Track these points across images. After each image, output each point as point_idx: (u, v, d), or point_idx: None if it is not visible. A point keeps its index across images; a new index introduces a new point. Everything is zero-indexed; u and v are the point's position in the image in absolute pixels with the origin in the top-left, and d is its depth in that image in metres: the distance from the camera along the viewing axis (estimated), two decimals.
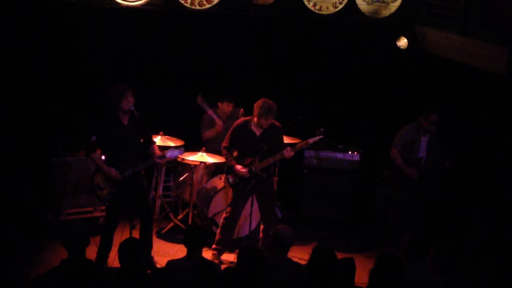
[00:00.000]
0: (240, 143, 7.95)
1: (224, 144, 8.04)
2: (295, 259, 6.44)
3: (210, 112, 9.02)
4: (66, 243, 5.77)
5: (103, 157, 7.57)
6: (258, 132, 7.88)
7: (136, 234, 7.64)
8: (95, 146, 7.54)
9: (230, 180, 7.96)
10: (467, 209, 8.47)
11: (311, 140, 7.94)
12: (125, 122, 7.51)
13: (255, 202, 8.08)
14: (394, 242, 8.47)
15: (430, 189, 8.54)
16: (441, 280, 5.95)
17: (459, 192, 8.69)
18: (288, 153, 7.81)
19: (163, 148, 8.51)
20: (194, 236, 6.18)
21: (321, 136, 8.06)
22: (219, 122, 8.98)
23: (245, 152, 7.94)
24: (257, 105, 7.74)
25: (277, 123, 7.92)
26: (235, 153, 8.02)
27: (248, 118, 8.00)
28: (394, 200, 8.60)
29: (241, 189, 7.95)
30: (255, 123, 7.84)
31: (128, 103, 7.40)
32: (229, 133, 8.02)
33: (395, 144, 8.43)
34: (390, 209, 8.64)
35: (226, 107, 9.03)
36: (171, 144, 8.71)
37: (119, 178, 7.43)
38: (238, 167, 7.87)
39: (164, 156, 7.60)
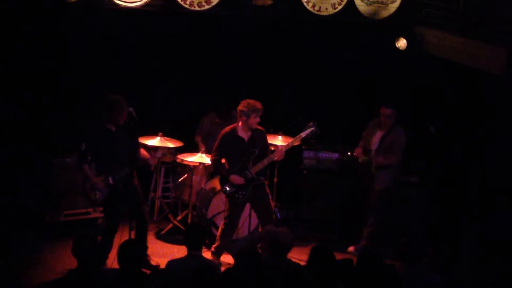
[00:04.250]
0: (230, 151, 7.90)
1: (212, 156, 7.96)
2: (294, 260, 6.45)
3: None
4: (77, 252, 5.61)
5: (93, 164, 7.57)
6: (246, 137, 7.86)
7: (133, 234, 7.63)
8: (86, 156, 7.45)
9: (228, 189, 7.92)
10: (465, 210, 8.48)
11: (303, 134, 7.97)
12: (112, 128, 7.48)
13: None
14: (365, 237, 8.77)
15: (372, 184, 8.61)
16: (439, 280, 5.95)
17: (458, 192, 8.70)
18: (280, 153, 7.84)
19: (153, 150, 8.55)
20: (194, 235, 6.18)
21: (312, 129, 7.98)
22: (202, 147, 9.06)
23: (236, 159, 7.89)
24: (242, 106, 7.70)
25: (259, 127, 7.91)
26: (222, 161, 7.98)
27: (233, 125, 7.96)
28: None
29: (240, 197, 7.92)
30: (242, 127, 7.83)
31: (123, 120, 7.42)
32: (216, 143, 7.94)
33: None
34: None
35: (217, 119, 9.13)
36: (170, 145, 8.71)
37: (105, 188, 7.44)
38: (233, 177, 7.84)
39: (153, 156, 7.66)
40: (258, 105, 7.70)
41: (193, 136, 9.27)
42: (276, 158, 7.88)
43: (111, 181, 7.44)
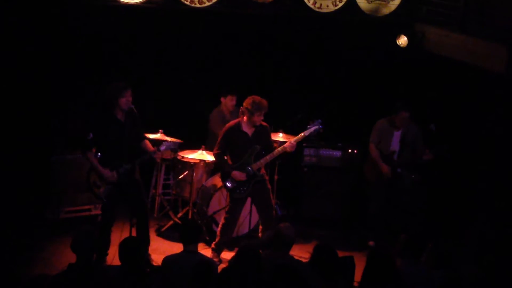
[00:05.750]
0: (233, 146, 7.90)
1: (215, 150, 7.96)
2: (295, 258, 6.44)
3: None
4: (75, 247, 5.62)
5: (99, 154, 7.53)
6: (250, 132, 7.87)
7: (133, 231, 7.61)
8: (91, 144, 7.44)
9: (229, 185, 7.92)
10: (467, 207, 8.48)
11: (306, 133, 7.97)
12: (121, 119, 7.48)
13: None
14: (374, 235, 8.75)
15: (403, 182, 8.66)
16: (438, 276, 5.95)
17: (460, 190, 8.70)
18: (292, 145, 7.83)
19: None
20: (189, 231, 6.20)
21: (316, 127, 8.01)
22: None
23: (238, 154, 7.90)
24: (247, 103, 7.72)
25: (263, 123, 7.91)
26: (226, 157, 7.98)
27: (238, 120, 7.97)
28: (370, 195, 8.84)
29: (242, 193, 7.93)
30: (246, 122, 7.83)
31: (128, 102, 7.39)
32: (219, 137, 7.95)
33: (371, 139, 8.74)
34: (368, 204, 8.86)
35: (230, 101, 9.00)
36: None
37: (115, 179, 7.42)
38: (236, 173, 7.84)
39: (159, 150, 7.62)
40: (264, 103, 7.69)
41: (194, 134, 9.23)
42: (288, 150, 7.86)
43: (116, 174, 7.43)
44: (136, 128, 7.59)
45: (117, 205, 7.65)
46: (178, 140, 8.81)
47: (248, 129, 7.86)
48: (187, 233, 6.19)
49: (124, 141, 7.44)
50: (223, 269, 5.73)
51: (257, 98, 7.72)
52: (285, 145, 7.91)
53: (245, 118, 7.82)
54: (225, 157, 7.98)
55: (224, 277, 5.45)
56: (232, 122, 7.98)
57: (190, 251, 6.10)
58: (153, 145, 7.79)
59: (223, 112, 9.03)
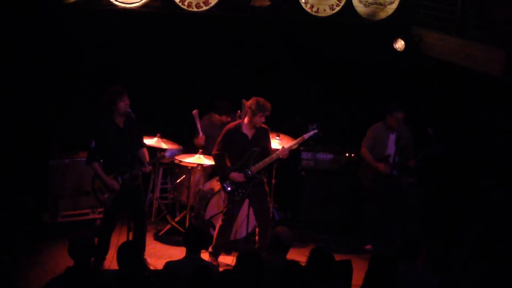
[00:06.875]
0: (232, 147, 7.90)
1: (214, 151, 7.96)
2: None
3: (198, 125, 8.96)
4: (72, 251, 5.59)
5: (101, 160, 7.53)
6: (250, 134, 7.87)
7: (131, 235, 7.61)
8: (95, 154, 7.44)
9: (228, 188, 7.92)
10: (465, 210, 8.49)
11: (306, 136, 7.97)
12: (121, 125, 7.48)
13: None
14: (371, 240, 8.77)
15: (400, 185, 8.67)
16: (434, 279, 5.96)
17: (457, 193, 8.71)
18: (284, 151, 7.83)
19: (160, 150, 8.55)
20: (194, 237, 6.18)
21: (315, 131, 8.03)
22: (200, 135, 8.95)
23: (237, 155, 7.90)
24: (250, 104, 7.73)
25: (264, 125, 7.92)
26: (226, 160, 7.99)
27: (238, 121, 7.98)
28: (367, 199, 8.85)
29: (240, 195, 7.92)
30: (247, 124, 7.84)
31: (126, 106, 7.39)
32: (219, 138, 7.94)
33: (364, 143, 8.78)
34: (365, 208, 8.86)
35: (217, 118, 9.01)
36: (165, 146, 8.69)
37: (118, 189, 7.42)
38: (234, 175, 7.84)
39: (163, 156, 7.63)
40: (267, 105, 7.70)
41: (191, 137, 9.23)
42: (281, 156, 7.88)
43: (120, 181, 7.43)
44: (135, 133, 7.58)
45: (119, 211, 7.65)
46: (175, 146, 8.83)
47: (248, 131, 7.87)
48: (192, 240, 6.17)
49: (125, 147, 7.42)
50: (223, 272, 5.72)
51: (262, 99, 7.73)
52: (278, 151, 7.90)
53: (246, 119, 7.82)
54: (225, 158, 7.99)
55: (224, 281, 5.45)
56: (232, 124, 8.00)
57: (192, 257, 6.09)
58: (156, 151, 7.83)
59: (214, 122, 9.02)
